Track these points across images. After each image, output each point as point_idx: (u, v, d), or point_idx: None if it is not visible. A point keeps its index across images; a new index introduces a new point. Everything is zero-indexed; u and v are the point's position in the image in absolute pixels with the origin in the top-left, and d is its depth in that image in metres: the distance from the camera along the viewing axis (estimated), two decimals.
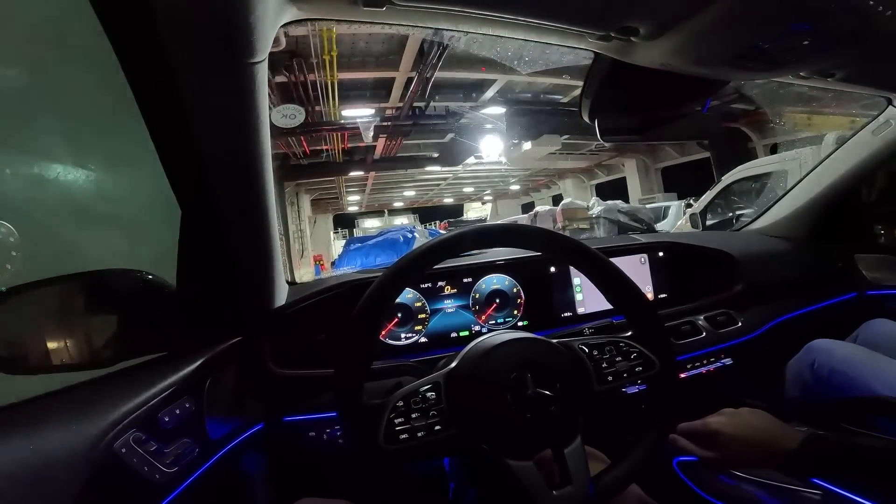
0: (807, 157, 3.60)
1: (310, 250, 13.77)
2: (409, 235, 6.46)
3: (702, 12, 0.65)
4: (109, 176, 1.17)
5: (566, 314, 1.09)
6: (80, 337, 0.70)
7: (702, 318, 1.09)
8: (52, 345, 0.68)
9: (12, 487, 0.42)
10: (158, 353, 0.71)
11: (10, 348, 0.64)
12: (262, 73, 0.56)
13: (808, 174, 1.39)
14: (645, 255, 1.17)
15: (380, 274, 0.59)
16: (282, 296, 0.88)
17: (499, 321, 1.05)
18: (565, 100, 9.50)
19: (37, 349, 0.66)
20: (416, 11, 0.63)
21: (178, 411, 0.61)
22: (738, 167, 4.88)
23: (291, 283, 0.96)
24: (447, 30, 0.71)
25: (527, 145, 11.10)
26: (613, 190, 13.65)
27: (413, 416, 0.57)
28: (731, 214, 4.78)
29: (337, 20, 0.66)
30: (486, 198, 23.83)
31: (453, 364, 0.63)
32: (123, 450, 0.52)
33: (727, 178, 4.94)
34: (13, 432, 0.47)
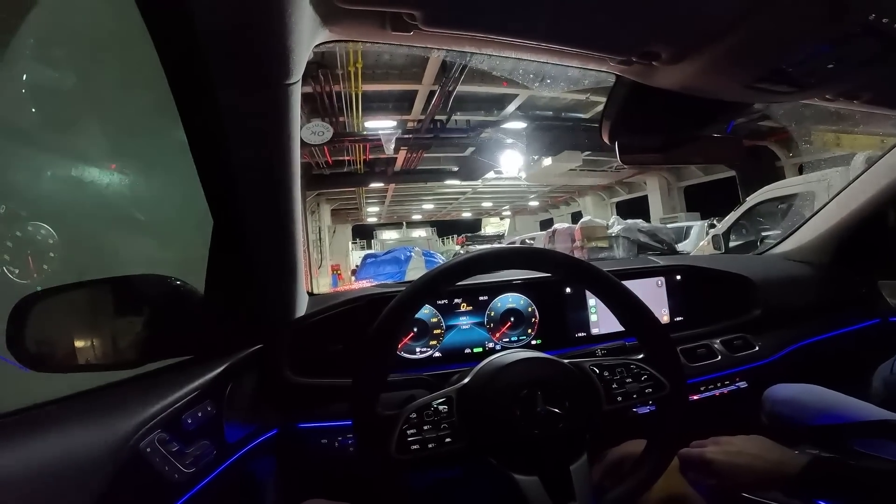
0: (834, 179, 3.52)
1: (328, 260, 13.92)
2: (408, 254, 7.70)
3: (723, 37, 0.66)
4: (148, 186, 1.22)
5: (580, 334, 1.09)
6: (111, 339, 0.73)
7: (718, 341, 1.09)
8: (84, 345, 0.71)
9: (45, 481, 0.44)
10: (184, 356, 0.74)
11: (44, 347, 0.67)
12: (296, 93, 0.59)
13: (833, 198, 1.36)
14: (662, 278, 1.16)
15: (398, 289, 0.60)
16: (302, 306, 0.91)
17: (512, 339, 1.05)
18: (587, 116, 9.47)
19: (70, 349, 0.69)
20: (441, 36, 0.66)
21: (199, 414, 0.63)
22: (765, 188, 4.79)
23: (311, 294, 0.99)
24: (471, 52, 0.73)
25: (547, 161, 11.06)
26: (634, 208, 13.47)
27: (425, 427, 0.59)
28: (755, 237, 4.68)
29: (365, 42, 0.69)
30: (504, 213, 23.79)
31: (466, 380, 0.65)
32: (148, 449, 0.54)
33: (752, 199, 4.84)
34: (49, 428, 0.50)
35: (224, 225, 0.72)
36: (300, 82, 0.59)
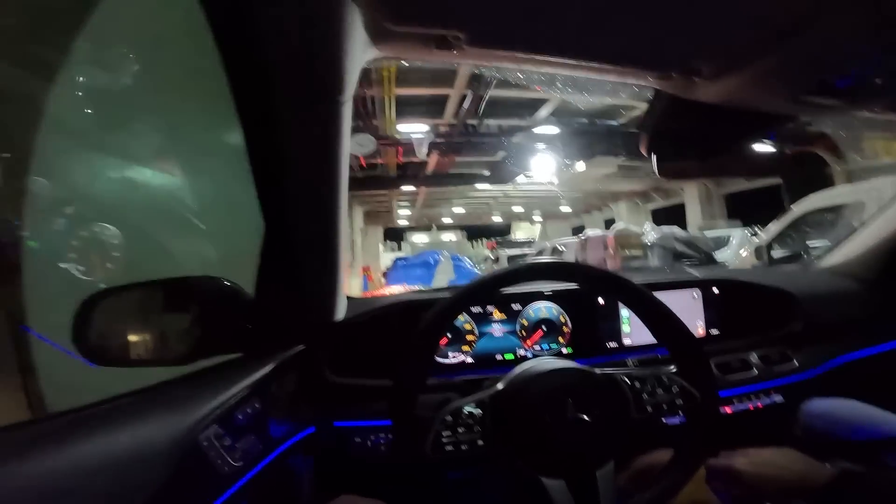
0: (885, 189, 3.33)
1: (360, 262, 14.14)
2: (437, 258, 8.10)
3: (768, 53, 0.65)
4: (204, 195, 1.30)
5: (612, 345, 1.09)
6: (168, 336, 0.78)
7: (754, 354, 1.07)
8: (142, 341, 0.76)
9: (121, 469, 0.47)
10: (233, 354, 0.78)
11: (106, 342, 0.71)
12: (348, 108, 0.63)
13: (883, 209, 1.30)
14: (698, 290, 1.14)
15: (434, 296, 0.63)
16: (342, 309, 0.94)
17: (543, 347, 1.06)
18: (623, 121, 9.29)
19: (129, 345, 0.74)
20: (483, 54, 0.68)
21: (249, 410, 0.66)
22: (811, 196, 4.56)
23: (349, 298, 1.03)
24: (511, 69, 0.75)
25: (580, 166, 10.90)
26: (671, 216, 13.01)
27: (459, 430, 0.62)
28: (800, 248, 4.46)
29: (411, 59, 0.72)
30: (535, 218, 23.55)
31: (500, 386, 0.67)
32: (205, 443, 0.57)
33: (799, 208, 4.62)
34: (122, 421, 0.54)
35: (275, 231, 0.77)
36: (351, 100, 0.63)
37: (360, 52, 0.59)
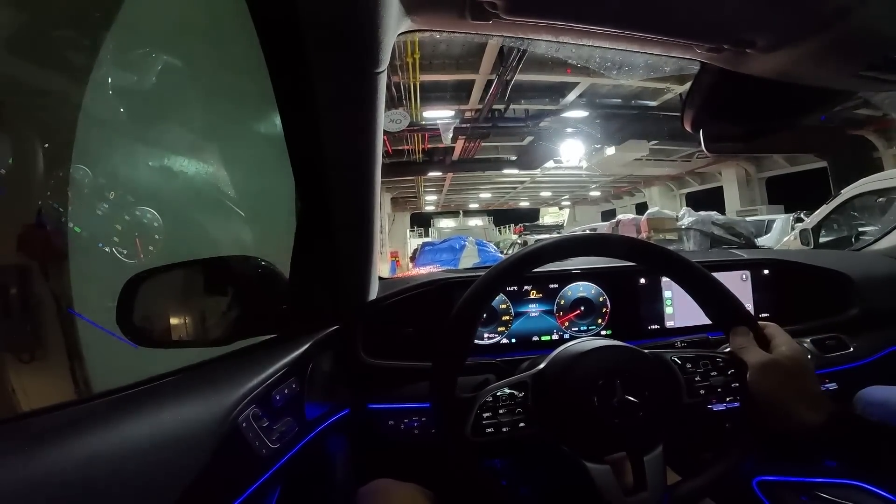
0: None
1: (387, 247, 14.26)
2: (462, 243, 7.92)
3: (834, 24, 0.59)
4: (238, 179, 1.32)
5: (653, 327, 1.06)
6: (208, 316, 0.79)
7: (808, 340, 1.02)
8: (183, 322, 0.76)
9: (168, 448, 0.47)
10: (270, 335, 0.78)
11: (148, 323, 0.72)
12: (383, 82, 0.61)
13: None
14: (747, 272, 1.10)
15: (467, 275, 0.60)
16: (374, 290, 0.94)
17: (582, 328, 1.04)
18: (655, 103, 8.96)
19: (169, 326, 0.75)
20: (520, 24, 0.65)
21: (286, 391, 0.65)
22: (861, 180, 4.31)
23: (380, 279, 1.02)
24: (549, 41, 0.72)
25: (610, 150, 10.63)
26: (707, 200, 12.55)
27: (500, 411, 0.60)
28: (848, 232, 4.23)
29: (445, 31, 0.69)
30: (563, 203, 23.15)
31: (542, 365, 0.65)
32: (244, 424, 0.56)
33: (848, 192, 4.37)
34: (161, 402, 0.53)
35: (311, 212, 0.76)
36: (386, 72, 0.61)
37: (394, 22, 0.57)
